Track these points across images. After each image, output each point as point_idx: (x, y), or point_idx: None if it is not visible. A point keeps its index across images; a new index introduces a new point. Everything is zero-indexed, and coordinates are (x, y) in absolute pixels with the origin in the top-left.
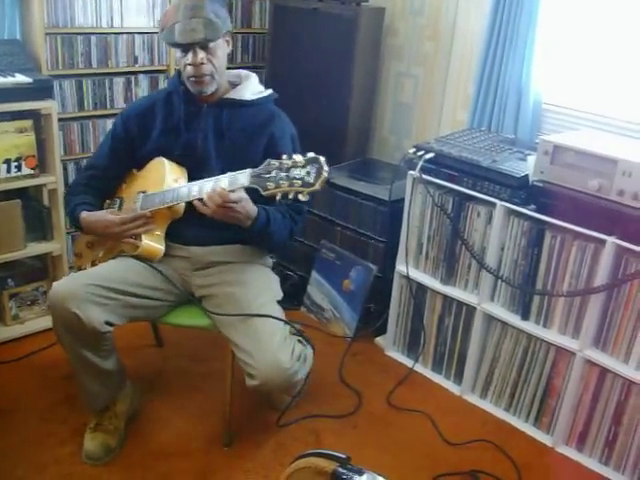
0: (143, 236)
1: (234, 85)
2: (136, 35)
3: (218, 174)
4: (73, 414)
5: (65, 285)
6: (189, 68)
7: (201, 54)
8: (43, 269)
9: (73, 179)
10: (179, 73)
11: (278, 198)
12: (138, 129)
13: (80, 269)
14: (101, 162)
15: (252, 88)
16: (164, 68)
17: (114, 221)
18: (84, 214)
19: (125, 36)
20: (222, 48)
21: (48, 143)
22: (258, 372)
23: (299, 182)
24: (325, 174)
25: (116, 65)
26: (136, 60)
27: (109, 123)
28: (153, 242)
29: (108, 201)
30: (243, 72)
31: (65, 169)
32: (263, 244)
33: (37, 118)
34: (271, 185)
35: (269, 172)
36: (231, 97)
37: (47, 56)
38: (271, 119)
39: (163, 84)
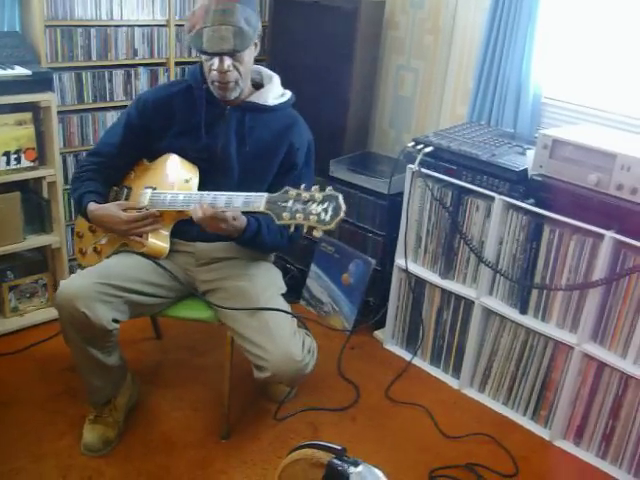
0: (149, 235)
1: (255, 83)
2: (136, 28)
3: (235, 180)
4: (72, 406)
5: (73, 284)
6: (214, 73)
7: (228, 61)
8: (42, 262)
9: (79, 162)
10: (201, 67)
11: (292, 230)
12: (155, 121)
13: (81, 252)
14: (110, 150)
15: (274, 92)
16: (164, 61)
17: (122, 218)
18: (92, 206)
19: (125, 29)
20: (250, 53)
21: (47, 136)
22: (270, 365)
23: (315, 218)
24: (342, 214)
25: (116, 58)
26: (136, 53)
27: (109, 116)
28: (159, 241)
29: (116, 188)
30: (265, 71)
31: (64, 162)
32: (254, 250)
33: (36, 110)
34: (286, 215)
35: (285, 201)
36: (254, 101)
37: (47, 48)
38: (291, 126)
39: (163, 77)
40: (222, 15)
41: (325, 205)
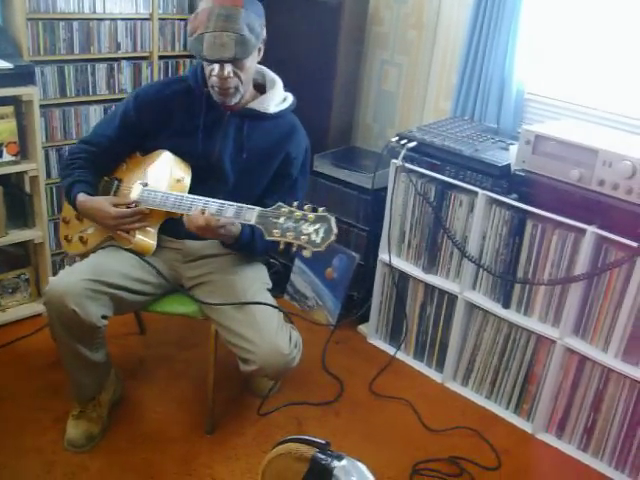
0: (137, 232)
1: (257, 84)
2: (119, 21)
3: (229, 186)
4: (55, 401)
5: (61, 281)
6: (214, 79)
7: (228, 68)
8: (25, 257)
9: (70, 148)
10: (202, 68)
11: (282, 247)
12: (152, 120)
13: (66, 238)
14: (102, 142)
15: (277, 98)
16: (147, 55)
17: (111, 214)
18: (81, 197)
19: (108, 22)
20: (252, 60)
21: (30, 130)
22: (258, 358)
23: (305, 238)
24: (333, 237)
25: (98, 51)
26: (119, 46)
27: (91, 110)
28: (146, 238)
29: (106, 178)
30: (268, 74)
31: (47, 156)
32: (245, 254)
33: (18, 104)
34: (277, 232)
35: (277, 217)
36: (255, 109)
37: (29, 42)
38: (290, 135)
39: (147, 71)
40: (225, 21)
41: (317, 226)
